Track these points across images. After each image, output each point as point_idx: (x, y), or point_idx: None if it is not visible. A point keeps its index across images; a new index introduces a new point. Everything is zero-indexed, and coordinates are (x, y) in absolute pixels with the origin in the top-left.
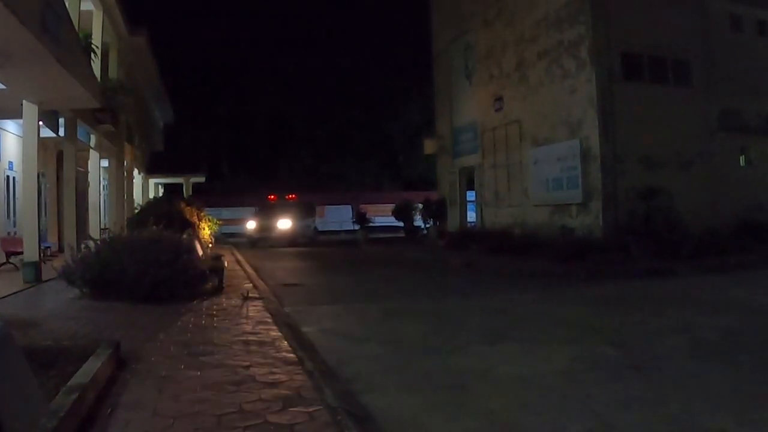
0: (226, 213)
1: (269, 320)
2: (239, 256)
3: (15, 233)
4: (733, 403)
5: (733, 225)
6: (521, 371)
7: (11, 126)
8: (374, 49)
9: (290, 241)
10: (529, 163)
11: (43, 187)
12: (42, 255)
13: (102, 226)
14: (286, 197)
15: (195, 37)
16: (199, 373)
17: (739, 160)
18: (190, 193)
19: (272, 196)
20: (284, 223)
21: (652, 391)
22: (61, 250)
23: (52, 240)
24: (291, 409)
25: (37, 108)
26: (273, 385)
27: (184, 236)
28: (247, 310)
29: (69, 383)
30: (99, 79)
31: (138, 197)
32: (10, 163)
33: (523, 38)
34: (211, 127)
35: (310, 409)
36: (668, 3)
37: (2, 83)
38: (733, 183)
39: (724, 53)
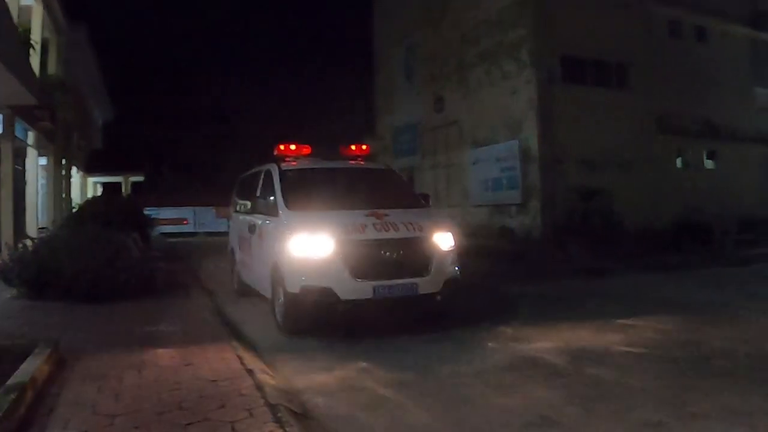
0: (166, 213)
1: (208, 317)
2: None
3: None
4: (670, 397)
5: (671, 225)
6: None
7: None
8: (315, 48)
9: None
10: (469, 164)
11: None
12: None
13: (40, 225)
14: None
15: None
16: (139, 371)
17: (677, 162)
18: (129, 192)
19: None
20: None
21: (590, 389)
22: None
23: None
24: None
25: None
26: (214, 382)
27: (123, 235)
28: (188, 307)
29: (7, 383)
30: (38, 75)
31: (76, 196)
32: None
33: (465, 39)
34: (151, 126)
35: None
36: (610, 8)
37: None
38: (672, 184)
39: (664, 58)
